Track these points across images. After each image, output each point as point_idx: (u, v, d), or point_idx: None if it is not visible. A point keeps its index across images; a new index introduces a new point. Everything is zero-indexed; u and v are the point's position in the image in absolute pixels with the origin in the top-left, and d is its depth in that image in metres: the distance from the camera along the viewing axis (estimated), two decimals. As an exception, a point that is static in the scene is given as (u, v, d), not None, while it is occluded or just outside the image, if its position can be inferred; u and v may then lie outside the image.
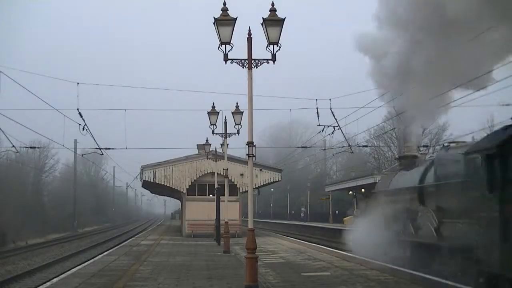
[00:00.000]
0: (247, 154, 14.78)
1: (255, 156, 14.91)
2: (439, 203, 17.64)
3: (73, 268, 21.70)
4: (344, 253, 24.94)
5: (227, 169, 29.10)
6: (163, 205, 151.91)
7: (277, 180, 43.98)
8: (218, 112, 25.26)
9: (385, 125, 49.77)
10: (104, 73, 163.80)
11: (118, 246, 33.40)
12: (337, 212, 66.32)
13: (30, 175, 68.11)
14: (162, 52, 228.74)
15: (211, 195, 38.55)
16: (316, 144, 43.89)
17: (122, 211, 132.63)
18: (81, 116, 28.81)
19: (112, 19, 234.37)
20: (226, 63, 14.07)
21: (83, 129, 28.57)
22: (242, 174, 40.27)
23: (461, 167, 15.20)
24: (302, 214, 77.74)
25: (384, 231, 21.64)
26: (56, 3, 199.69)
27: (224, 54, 13.94)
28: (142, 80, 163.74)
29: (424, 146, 45.89)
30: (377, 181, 26.90)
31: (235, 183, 40.29)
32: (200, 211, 39.99)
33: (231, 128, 25.19)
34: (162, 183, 41.71)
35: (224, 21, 13.87)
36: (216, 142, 32.89)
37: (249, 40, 14.30)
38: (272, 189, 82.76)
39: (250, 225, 14.28)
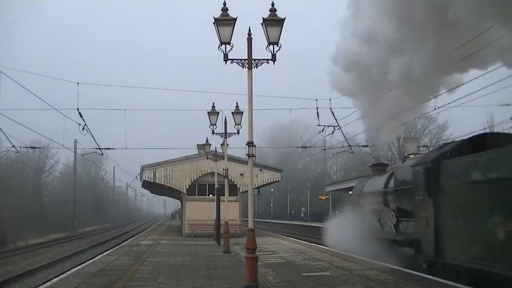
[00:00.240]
0: (247, 154, 14.78)
1: (255, 156, 14.91)
2: (397, 204, 21.47)
3: (73, 268, 21.71)
4: (344, 253, 24.95)
5: (227, 169, 29.10)
6: (163, 205, 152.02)
7: (277, 180, 43.97)
8: (218, 112, 25.25)
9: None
10: (104, 73, 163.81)
11: (118, 246, 33.40)
12: (337, 212, 66.27)
13: (30, 175, 68.12)
14: (162, 52, 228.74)
15: (211, 195, 38.55)
16: (316, 144, 43.91)
17: (122, 211, 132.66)
18: (81, 116, 28.82)
19: (112, 19, 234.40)
20: (226, 63, 14.08)
21: (83, 129, 28.60)
22: (242, 174, 40.26)
23: (410, 176, 18.98)
24: (302, 214, 77.79)
25: (356, 228, 24.71)
26: (56, 3, 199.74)
27: (224, 54, 13.94)
28: (142, 80, 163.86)
29: (424, 146, 45.97)
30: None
31: (235, 183, 40.28)
32: (200, 211, 39.98)
33: (231, 128, 25.21)
34: (162, 183, 41.70)
35: (224, 21, 13.87)
36: (216, 142, 32.90)
37: (249, 40, 14.29)
38: (272, 189, 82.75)
39: (250, 225, 14.28)
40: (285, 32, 13.83)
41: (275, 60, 14.02)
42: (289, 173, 71.30)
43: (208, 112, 25.09)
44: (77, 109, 28.87)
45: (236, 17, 13.90)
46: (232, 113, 22.23)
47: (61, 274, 19.72)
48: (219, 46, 13.91)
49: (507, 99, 31.64)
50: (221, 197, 31.50)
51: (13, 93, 36.01)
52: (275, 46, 13.85)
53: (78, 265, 22.47)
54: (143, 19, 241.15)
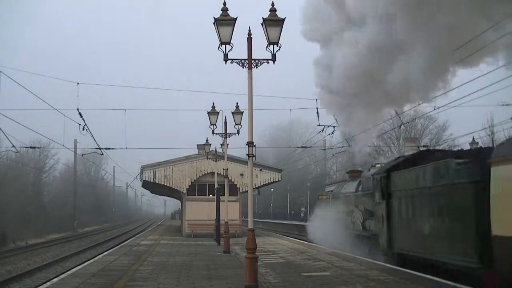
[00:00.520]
0: (247, 154, 14.78)
1: (255, 156, 14.92)
2: (364, 206, 25.93)
3: (73, 268, 21.71)
4: (344, 253, 25.00)
5: (227, 169, 29.09)
6: (163, 205, 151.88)
7: (277, 180, 43.95)
8: (218, 112, 25.25)
9: (385, 125, 49.73)
10: (104, 73, 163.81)
11: (118, 246, 33.40)
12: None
13: (30, 175, 68.08)
14: (163, 52, 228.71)
15: (211, 195, 38.54)
16: (316, 144, 43.88)
17: (122, 211, 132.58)
18: (81, 116, 28.85)
19: (113, 19, 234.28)
20: (226, 63, 14.10)
21: (83, 129, 28.63)
22: (242, 174, 40.24)
23: (369, 182, 24.18)
24: (302, 214, 77.67)
25: (334, 225, 29.19)
26: (57, 3, 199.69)
27: (224, 54, 13.95)
28: (142, 80, 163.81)
29: (424, 146, 45.93)
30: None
31: (235, 183, 40.27)
32: (200, 211, 39.97)
33: (231, 128, 25.21)
34: (162, 183, 41.68)
35: (224, 21, 13.87)
36: (216, 142, 32.90)
37: (249, 40, 14.30)
38: (272, 189, 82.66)
39: (250, 225, 14.28)
40: (285, 32, 13.85)
41: (275, 60, 14.03)
42: (289, 173, 71.24)
43: (208, 112, 25.09)
44: (77, 109, 28.91)
45: (236, 17, 13.92)
46: (232, 113, 22.23)
47: (61, 274, 19.73)
48: (219, 46, 13.92)
49: (507, 99, 31.65)
50: (221, 197, 31.50)
51: (13, 93, 36.04)
52: (275, 46, 13.86)
53: (78, 265, 22.47)
54: (143, 19, 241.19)
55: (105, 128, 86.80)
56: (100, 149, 34.84)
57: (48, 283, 16.48)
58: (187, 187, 41.09)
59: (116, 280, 16.42)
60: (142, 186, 53.83)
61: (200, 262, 21.88)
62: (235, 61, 14.17)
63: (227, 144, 28.50)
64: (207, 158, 35.11)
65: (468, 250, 14.86)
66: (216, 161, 34.05)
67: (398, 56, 20.31)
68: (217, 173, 34.17)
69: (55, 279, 17.39)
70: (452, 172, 15.89)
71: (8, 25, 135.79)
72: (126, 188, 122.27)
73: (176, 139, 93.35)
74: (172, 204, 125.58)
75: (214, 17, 13.87)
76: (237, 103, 22.29)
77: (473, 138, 25.42)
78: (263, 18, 13.79)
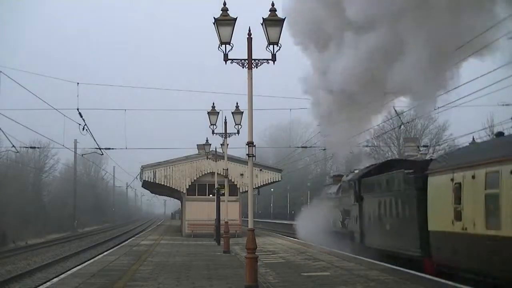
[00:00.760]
0: (247, 154, 14.77)
1: (255, 156, 14.91)
2: (343, 207, 29.07)
3: (73, 268, 21.72)
4: (344, 253, 25.02)
5: (227, 169, 29.08)
6: (163, 205, 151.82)
7: (277, 180, 43.95)
8: (218, 112, 25.25)
9: (385, 125, 49.71)
10: (104, 73, 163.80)
11: (118, 246, 33.40)
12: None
13: (30, 175, 68.08)
14: (162, 52, 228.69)
15: (211, 195, 38.52)
16: (316, 144, 43.88)
17: (122, 211, 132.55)
18: (81, 116, 28.88)
19: (113, 19, 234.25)
20: (226, 63, 14.09)
21: (83, 129, 28.66)
22: (242, 174, 40.23)
23: (348, 186, 27.83)
24: (302, 214, 77.53)
25: (318, 224, 32.76)
26: (57, 3, 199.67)
27: (224, 54, 13.94)
28: (142, 80, 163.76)
29: (424, 146, 45.98)
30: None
31: (235, 183, 40.26)
32: (200, 211, 39.96)
33: (231, 128, 25.21)
34: (162, 183, 41.68)
35: (224, 21, 13.86)
36: (216, 142, 32.90)
37: (249, 40, 14.29)
38: (272, 189, 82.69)
39: (250, 225, 14.27)
40: (285, 32, 13.85)
41: (275, 60, 14.02)
42: (289, 173, 71.23)
43: (208, 112, 25.08)
44: (77, 109, 28.94)
45: (236, 17, 13.91)
46: (232, 113, 22.23)
47: (61, 274, 19.74)
48: (219, 46, 13.92)
49: (507, 99, 31.67)
50: (221, 197, 31.50)
51: (13, 93, 36.05)
52: (275, 46, 13.85)
53: (78, 265, 22.48)
54: (143, 20, 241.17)
55: (105, 128, 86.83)
56: (100, 149, 34.89)
57: (48, 283, 16.48)
58: (187, 187, 41.08)
59: (116, 280, 16.42)
60: (142, 186, 53.83)
61: (200, 262, 21.88)
62: (235, 61, 14.16)
63: (227, 144, 28.50)
64: (207, 158, 35.10)
65: (413, 243, 18.70)
66: (216, 161, 34.04)
67: (399, 57, 20.51)
68: (217, 173, 34.16)
69: (55, 279, 17.39)
70: (402, 181, 20.04)
71: (8, 25, 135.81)
72: (126, 188, 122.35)
73: (176, 139, 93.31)
74: (172, 204, 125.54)
75: (214, 17, 13.87)
76: (237, 103, 22.31)
77: (473, 138, 25.38)
78: (263, 18, 13.78)
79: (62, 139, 37.87)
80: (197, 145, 41.90)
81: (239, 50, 14.18)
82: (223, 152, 30.09)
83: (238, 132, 22.97)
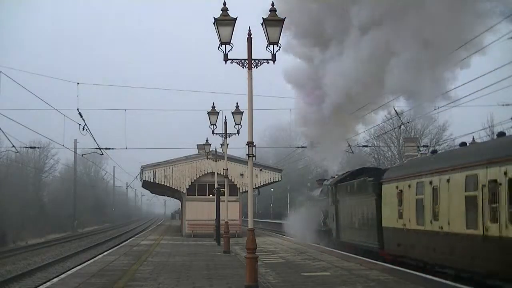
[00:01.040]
0: (247, 154, 14.77)
1: (255, 156, 14.90)
2: (322, 207, 33.73)
3: (73, 268, 21.72)
4: (344, 253, 25.03)
5: (227, 169, 29.08)
6: (163, 205, 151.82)
7: (277, 180, 43.93)
8: (218, 112, 25.25)
9: (385, 125, 49.72)
10: (104, 73, 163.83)
11: (118, 246, 33.39)
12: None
13: (30, 175, 68.10)
14: (163, 52, 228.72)
15: (211, 195, 38.51)
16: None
17: (122, 211, 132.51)
18: (81, 116, 28.86)
19: (113, 19, 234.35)
20: (226, 63, 14.08)
21: (83, 129, 28.63)
22: (242, 174, 40.22)
23: (328, 189, 32.25)
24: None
25: (304, 222, 36.66)
26: (57, 3, 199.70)
27: (224, 54, 13.93)
28: (142, 80, 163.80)
29: (424, 146, 45.96)
30: None
31: (235, 183, 40.26)
32: (200, 211, 39.96)
33: (231, 128, 25.21)
34: (162, 183, 41.67)
35: (224, 21, 13.85)
36: (216, 142, 32.91)
37: (249, 40, 14.28)
38: (272, 189, 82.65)
39: (250, 225, 14.27)
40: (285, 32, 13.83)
41: (275, 60, 14.01)
42: (289, 173, 71.18)
43: (208, 112, 25.08)
44: (77, 109, 28.93)
45: (236, 17, 13.89)
46: (232, 113, 22.23)
47: (61, 274, 19.73)
48: (219, 46, 13.90)
49: (507, 99, 31.67)
50: (221, 197, 31.49)
51: (13, 93, 36.05)
52: (275, 46, 13.84)
53: (78, 265, 22.47)
54: (143, 19, 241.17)
55: (105, 128, 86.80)
56: (100, 149, 34.86)
57: (48, 283, 16.48)
58: (187, 187, 41.07)
59: (116, 280, 16.41)
60: (142, 186, 53.81)
61: (200, 262, 21.88)
62: (235, 61, 14.16)
63: (227, 144, 28.50)
64: (207, 158, 35.10)
65: (373, 237, 23.05)
66: (216, 161, 34.04)
67: (399, 57, 20.71)
68: (217, 173, 34.16)
69: (55, 279, 17.39)
70: (365, 187, 24.52)
71: (8, 25, 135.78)
72: (126, 188, 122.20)
73: (176, 139, 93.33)
74: (172, 204, 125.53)
75: (214, 17, 13.86)
76: (237, 103, 22.31)
77: (473, 138, 25.35)
78: (263, 18, 13.77)
79: (62, 139, 37.97)
80: (197, 145, 41.90)
81: (239, 50, 14.20)
82: (223, 152, 30.08)
83: (238, 132, 22.98)
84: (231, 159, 38.34)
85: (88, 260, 24.37)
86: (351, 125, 30.57)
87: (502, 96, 28.87)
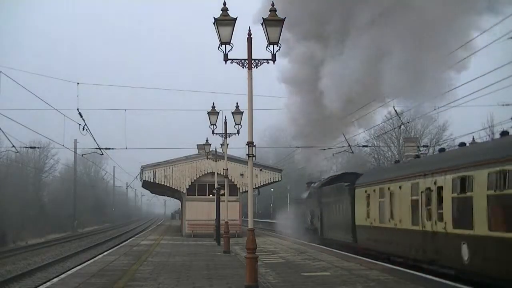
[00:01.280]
0: (247, 154, 14.76)
1: (255, 156, 14.89)
2: (309, 208, 37.26)
3: (73, 268, 21.71)
4: (344, 253, 25.03)
5: (227, 169, 29.07)
6: (163, 205, 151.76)
7: (277, 180, 43.92)
8: (218, 112, 25.23)
9: (385, 125, 49.71)
10: (104, 73, 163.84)
11: (118, 246, 33.39)
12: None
13: (30, 175, 68.08)
14: (163, 53, 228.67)
15: (211, 195, 38.50)
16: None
17: (122, 211, 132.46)
18: (81, 116, 28.84)
19: (113, 19, 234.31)
20: (226, 63, 14.07)
21: (83, 129, 28.61)
22: (242, 174, 40.21)
23: (314, 192, 36.10)
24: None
25: (294, 221, 41.72)
26: (57, 3, 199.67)
27: (224, 54, 13.92)
28: (143, 80, 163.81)
29: (424, 146, 45.96)
30: None
31: (235, 183, 40.25)
32: (200, 211, 39.95)
33: (231, 128, 25.20)
34: (162, 183, 41.66)
35: (224, 21, 13.84)
36: (216, 142, 32.90)
37: (249, 40, 14.27)
38: (272, 189, 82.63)
39: (250, 225, 14.26)
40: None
41: (275, 60, 14.01)
42: (289, 173, 71.16)
43: (208, 112, 25.07)
44: (77, 109, 28.91)
45: (236, 17, 13.88)
46: (232, 113, 22.21)
47: (61, 274, 19.72)
48: (219, 46, 13.90)
49: (507, 99, 31.67)
50: (221, 197, 31.48)
51: (13, 93, 36.04)
52: (275, 46, 13.82)
53: (78, 265, 22.46)
54: (144, 19, 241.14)
55: (105, 128, 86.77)
56: (100, 149, 34.83)
57: (48, 283, 16.47)
58: (187, 187, 41.06)
59: (116, 280, 16.41)
60: (142, 186, 53.79)
61: (200, 262, 21.87)
62: (235, 61, 14.15)
63: (227, 144, 28.49)
64: (207, 158, 35.09)
65: (349, 234, 27.02)
66: (216, 161, 34.02)
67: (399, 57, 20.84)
68: (217, 173, 34.15)
69: (55, 279, 17.39)
70: (343, 190, 28.40)
71: (9, 24, 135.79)
72: (126, 188, 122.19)
73: (176, 139, 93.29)
74: (172, 204, 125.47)
75: (214, 17, 13.85)
76: (237, 103, 22.30)
77: (473, 138, 25.40)
78: (263, 18, 13.76)
79: (62, 139, 37.93)
80: (197, 145, 41.88)
81: (239, 50, 14.19)
82: (223, 152, 30.07)
83: (238, 132, 22.96)
84: (231, 159, 38.33)
85: (88, 260, 24.36)
86: (340, 129, 32.72)
87: (502, 96, 28.89)
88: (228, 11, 13.89)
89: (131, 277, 17.00)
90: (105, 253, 28.24)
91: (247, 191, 23.88)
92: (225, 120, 26.34)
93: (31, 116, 49.68)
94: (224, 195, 29.74)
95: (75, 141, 63.71)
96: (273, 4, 13.91)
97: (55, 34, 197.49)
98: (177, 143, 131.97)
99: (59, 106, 31.67)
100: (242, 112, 21.57)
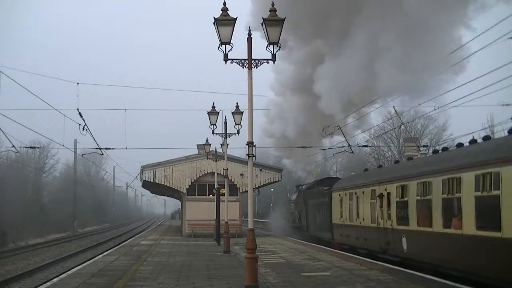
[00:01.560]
0: (247, 154, 14.76)
1: (255, 156, 14.90)
2: (297, 208, 41.99)
3: (73, 268, 21.71)
4: (344, 253, 25.03)
5: (227, 169, 29.08)
6: (163, 205, 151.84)
7: (277, 180, 43.94)
8: (218, 112, 25.24)
9: (385, 125, 49.69)
10: (104, 73, 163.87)
11: (118, 246, 33.39)
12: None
13: (30, 175, 68.02)
14: (163, 53, 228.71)
15: (211, 195, 38.52)
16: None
17: (122, 211, 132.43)
18: (81, 116, 28.82)
19: (113, 19, 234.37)
20: (226, 63, 14.06)
21: (83, 129, 28.59)
22: (242, 174, 40.24)
23: (301, 194, 41.11)
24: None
25: (284, 220, 47.14)
26: (57, 3, 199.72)
27: (224, 54, 13.92)
28: (143, 80, 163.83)
29: (424, 146, 45.94)
30: None
31: (235, 183, 40.26)
32: (200, 211, 39.96)
33: (231, 128, 25.21)
34: (162, 183, 41.67)
35: (224, 21, 13.84)
36: (216, 142, 32.94)
37: (249, 40, 14.27)
38: (272, 189, 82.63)
39: (250, 225, 14.27)
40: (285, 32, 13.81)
41: (275, 60, 14.00)
42: (289, 173, 71.18)
43: (208, 112, 25.07)
44: (77, 109, 28.90)
45: (236, 17, 13.89)
46: (232, 113, 22.21)
47: (61, 274, 19.73)
48: (219, 46, 13.89)
49: (507, 99, 31.67)
50: (221, 197, 31.48)
51: (13, 93, 36.03)
52: (275, 46, 13.82)
53: (78, 265, 22.46)
54: (143, 19, 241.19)
55: (105, 128, 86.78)
56: (100, 149, 34.81)
57: (48, 283, 16.47)
58: (187, 187, 41.08)
59: (116, 280, 16.41)
60: (142, 186, 53.80)
61: (200, 262, 21.88)
62: (235, 61, 14.15)
63: (227, 144, 28.49)
64: (207, 158, 35.10)
65: (327, 231, 30.94)
66: (216, 161, 34.03)
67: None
68: (217, 173, 34.16)
69: (55, 279, 17.39)
70: (323, 194, 32.29)
71: (9, 24, 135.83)
72: (126, 188, 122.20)
73: (176, 139, 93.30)
74: (172, 204, 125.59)
75: (214, 17, 13.85)
76: (237, 103, 22.31)
77: (473, 138, 25.32)
78: (263, 18, 13.76)
79: (62, 139, 37.91)
80: (197, 145, 41.89)
81: (239, 50, 14.19)
82: (223, 152, 30.08)
83: (238, 132, 22.97)
84: (231, 159, 38.34)
85: (88, 260, 24.36)
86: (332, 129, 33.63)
87: (502, 96, 28.90)
88: (228, 11, 13.90)
89: (131, 277, 17.01)
90: (105, 253, 28.24)
91: (247, 191, 23.88)
92: (225, 120, 26.37)
93: (31, 116, 49.72)
94: (224, 195, 29.75)
95: (75, 141, 63.77)
96: (273, 4, 13.91)
97: (55, 34, 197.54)
98: (177, 143, 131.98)
99: (59, 106, 31.65)
100: (242, 112, 21.58)
